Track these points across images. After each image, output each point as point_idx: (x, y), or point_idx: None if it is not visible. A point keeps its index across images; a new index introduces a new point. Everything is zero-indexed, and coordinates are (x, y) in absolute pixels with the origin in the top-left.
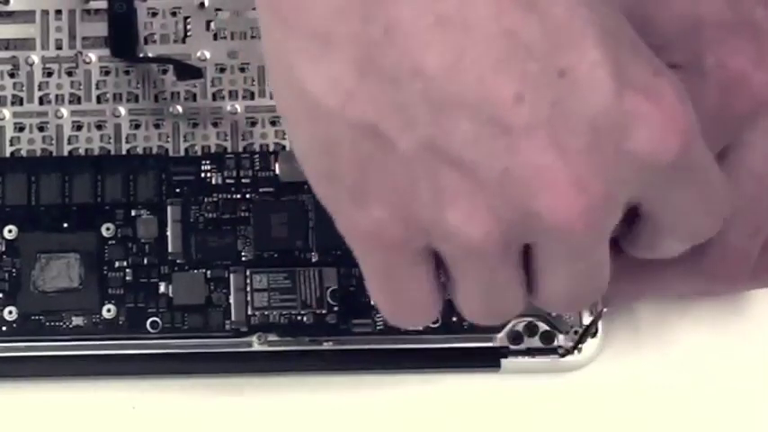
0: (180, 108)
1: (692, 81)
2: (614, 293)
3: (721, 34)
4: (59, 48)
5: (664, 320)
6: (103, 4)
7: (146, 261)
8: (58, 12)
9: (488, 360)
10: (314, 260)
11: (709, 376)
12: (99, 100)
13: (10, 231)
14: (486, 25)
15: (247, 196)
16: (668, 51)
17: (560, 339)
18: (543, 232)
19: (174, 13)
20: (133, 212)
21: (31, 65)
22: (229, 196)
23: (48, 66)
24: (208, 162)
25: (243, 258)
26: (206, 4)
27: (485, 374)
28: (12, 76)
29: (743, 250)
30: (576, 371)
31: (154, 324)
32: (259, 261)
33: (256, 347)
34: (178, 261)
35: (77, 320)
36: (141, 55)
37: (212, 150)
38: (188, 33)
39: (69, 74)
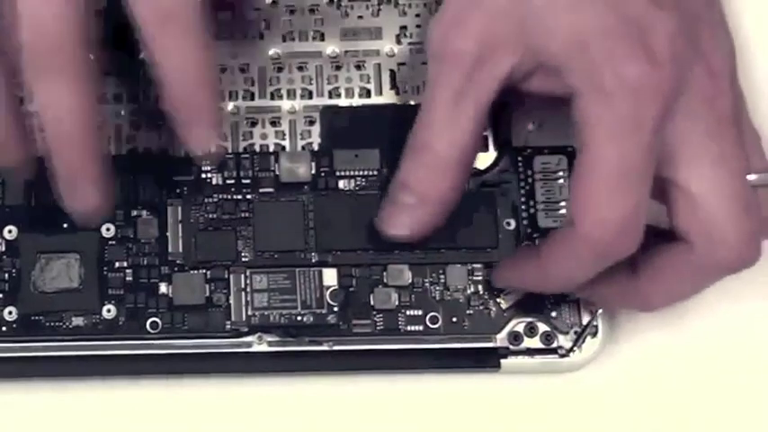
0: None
1: (600, 101)
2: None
3: (609, 44)
4: None
5: (663, 320)
6: (103, 3)
7: (146, 261)
8: None
9: (488, 360)
10: (314, 260)
11: (710, 376)
12: (99, 100)
13: (10, 231)
14: None
15: (248, 196)
16: (566, 75)
17: (560, 339)
18: None
19: None
20: (133, 213)
21: None
22: (229, 196)
23: None
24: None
25: (243, 258)
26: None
27: (485, 374)
28: None
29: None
30: (575, 371)
31: (154, 324)
32: (259, 261)
33: (256, 348)
34: (178, 261)
35: (77, 320)
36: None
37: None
38: None
39: None
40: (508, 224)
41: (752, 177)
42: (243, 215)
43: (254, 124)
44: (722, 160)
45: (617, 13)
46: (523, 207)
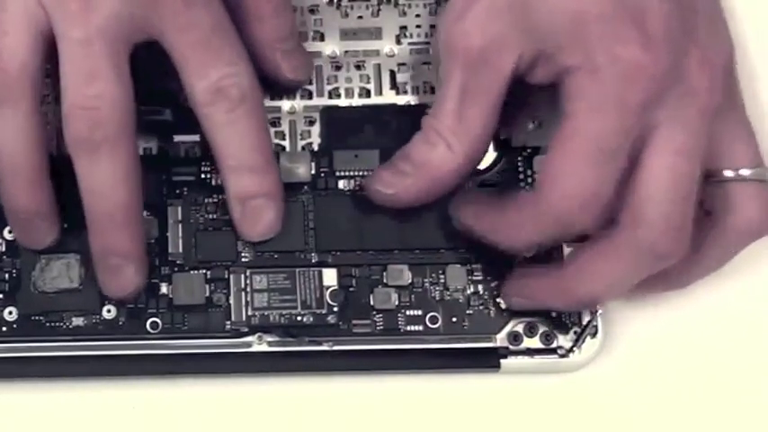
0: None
1: (590, 78)
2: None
3: (606, 26)
4: None
5: (663, 321)
6: None
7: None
8: None
9: (488, 360)
10: (314, 260)
11: (709, 376)
12: None
13: (10, 232)
14: None
15: None
16: (562, 55)
17: (560, 339)
18: None
19: None
20: None
21: None
22: None
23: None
24: (208, 163)
25: (243, 259)
26: None
27: (485, 375)
28: None
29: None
30: (575, 371)
31: (154, 324)
32: (259, 261)
33: (256, 348)
34: (178, 262)
35: (77, 321)
36: None
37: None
38: None
39: None
40: None
41: (745, 172)
42: None
43: None
44: (684, 153)
45: None
46: None
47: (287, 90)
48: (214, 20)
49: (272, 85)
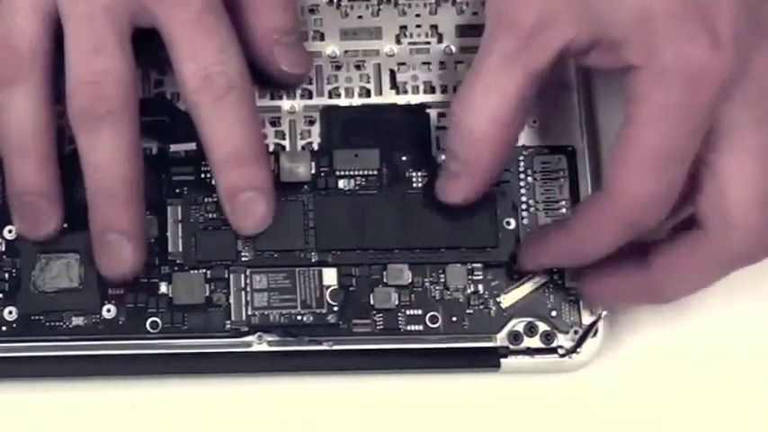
0: (181, 107)
1: (656, 80)
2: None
3: (673, 24)
4: None
5: (663, 320)
6: None
7: (146, 261)
8: None
9: (488, 360)
10: (314, 260)
11: (710, 376)
12: None
13: (10, 231)
14: None
15: None
16: (625, 50)
17: (560, 339)
18: None
19: None
20: None
21: None
22: None
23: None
24: (207, 162)
25: (243, 258)
26: None
27: (485, 374)
28: None
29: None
30: (575, 371)
31: (154, 324)
32: (259, 261)
33: (256, 347)
34: (178, 261)
35: (77, 320)
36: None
37: None
38: None
39: None
40: (508, 223)
41: None
42: None
43: None
44: (763, 153)
45: None
46: (523, 207)
47: (284, 87)
48: (206, 1)
49: (270, 82)
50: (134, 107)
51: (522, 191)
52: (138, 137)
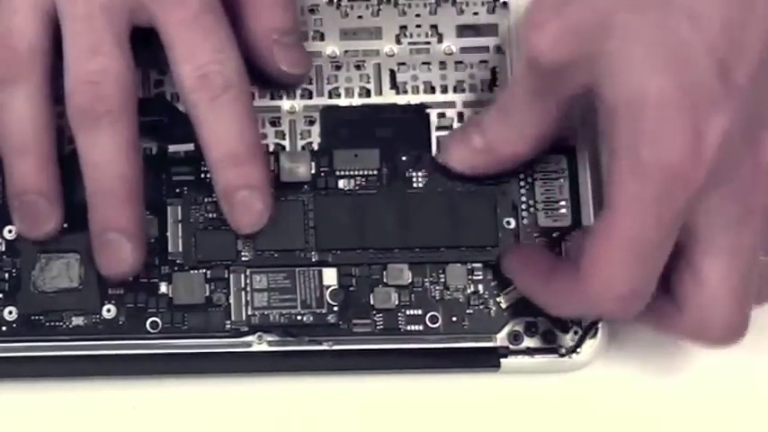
0: (181, 108)
1: (632, 170)
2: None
3: (661, 118)
4: None
5: None
6: None
7: (146, 261)
8: None
9: (488, 360)
10: (314, 259)
11: (709, 376)
12: None
13: (10, 231)
14: None
15: None
16: (611, 127)
17: (561, 339)
18: None
19: None
20: None
21: None
22: None
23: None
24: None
25: (243, 258)
26: None
27: (485, 374)
28: None
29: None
30: (575, 371)
31: (154, 324)
32: (259, 261)
33: (256, 347)
34: (178, 261)
35: (77, 320)
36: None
37: None
38: None
39: None
40: (508, 223)
41: None
42: None
43: None
44: (738, 254)
45: (681, 80)
46: (523, 207)
47: (283, 87)
48: (203, 1)
49: (270, 82)
50: (133, 106)
51: (522, 191)
52: (137, 136)
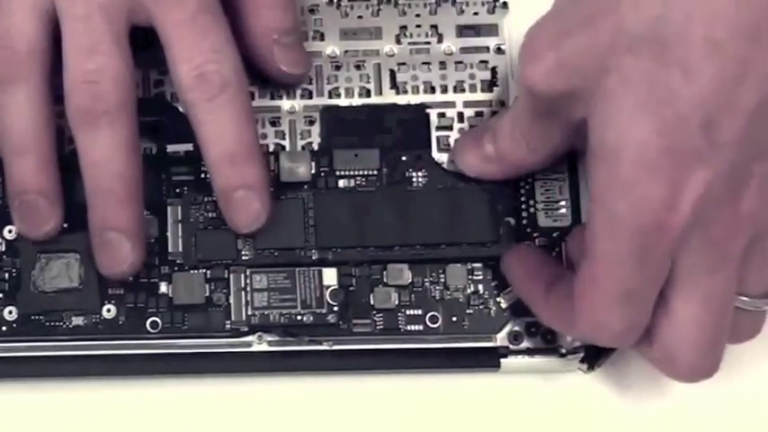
0: (180, 109)
1: (607, 225)
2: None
3: (638, 170)
4: None
5: None
6: None
7: (146, 261)
8: None
9: (488, 360)
10: (314, 257)
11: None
12: None
13: (10, 231)
14: None
15: None
16: (590, 172)
17: (561, 339)
18: None
19: None
20: None
21: None
22: None
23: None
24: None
25: (243, 258)
26: None
27: (485, 374)
28: None
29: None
30: (576, 371)
31: (154, 324)
32: (259, 261)
33: (256, 347)
34: (178, 261)
35: (77, 320)
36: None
37: None
38: None
39: None
40: (508, 222)
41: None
42: None
43: None
44: (710, 298)
45: (665, 131)
46: (524, 207)
47: (283, 87)
48: (201, 1)
49: (269, 82)
50: (132, 105)
51: (522, 190)
52: (136, 135)
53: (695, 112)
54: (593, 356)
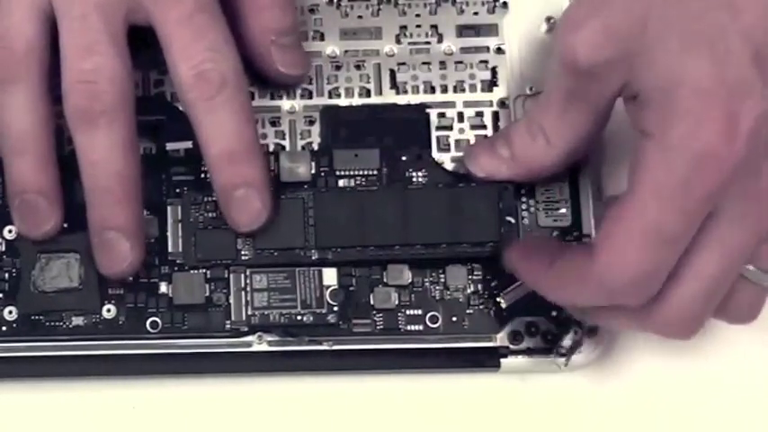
0: (180, 108)
1: (662, 153)
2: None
3: (695, 101)
4: None
5: None
6: None
7: (146, 261)
8: None
9: (488, 360)
10: (314, 257)
11: (710, 375)
12: None
13: (10, 231)
14: None
15: None
16: (645, 113)
17: (560, 339)
18: None
19: None
20: None
21: None
22: None
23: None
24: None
25: (243, 258)
26: None
27: (485, 374)
28: None
29: (692, 312)
30: (576, 371)
31: (154, 324)
32: (259, 260)
33: (256, 347)
34: (178, 261)
35: (77, 320)
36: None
37: None
38: None
39: None
40: (509, 222)
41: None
42: None
43: None
44: (730, 254)
45: (718, 72)
46: (524, 207)
47: (281, 87)
48: (199, 0)
49: (268, 82)
50: (130, 105)
51: (523, 190)
52: (134, 134)
53: (745, 45)
54: (570, 350)
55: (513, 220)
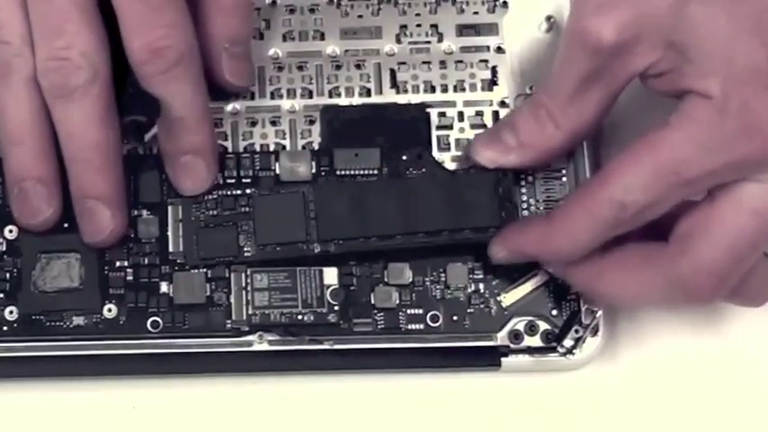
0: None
1: (715, 112)
2: (597, 293)
3: (752, 78)
4: None
5: (663, 321)
6: None
7: (146, 261)
8: None
9: (488, 360)
10: (316, 251)
11: (709, 375)
12: None
13: (10, 231)
14: None
15: (247, 191)
16: (705, 80)
17: (561, 338)
18: None
19: None
20: (134, 212)
21: None
22: (229, 192)
23: None
24: None
25: (245, 254)
26: None
27: (485, 373)
28: None
29: (720, 272)
30: (576, 370)
31: (154, 324)
32: (261, 256)
33: (257, 347)
34: (179, 261)
35: (78, 320)
36: None
37: None
38: None
39: None
40: (510, 206)
41: None
42: (243, 210)
43: (254, 124)
44: (761, 217)
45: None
46: (524, 206)
47: (227, 93)
48: None
49: (211, 84)
50: (104, 77)
51: (523, 189)
52: (111, 104)
53: None
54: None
55: (514, 204)
